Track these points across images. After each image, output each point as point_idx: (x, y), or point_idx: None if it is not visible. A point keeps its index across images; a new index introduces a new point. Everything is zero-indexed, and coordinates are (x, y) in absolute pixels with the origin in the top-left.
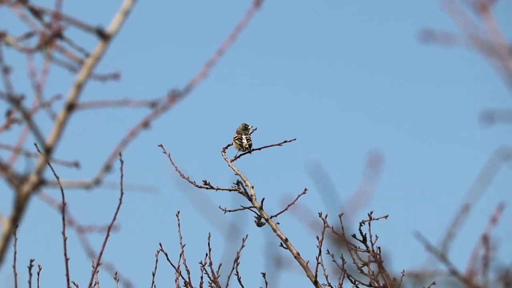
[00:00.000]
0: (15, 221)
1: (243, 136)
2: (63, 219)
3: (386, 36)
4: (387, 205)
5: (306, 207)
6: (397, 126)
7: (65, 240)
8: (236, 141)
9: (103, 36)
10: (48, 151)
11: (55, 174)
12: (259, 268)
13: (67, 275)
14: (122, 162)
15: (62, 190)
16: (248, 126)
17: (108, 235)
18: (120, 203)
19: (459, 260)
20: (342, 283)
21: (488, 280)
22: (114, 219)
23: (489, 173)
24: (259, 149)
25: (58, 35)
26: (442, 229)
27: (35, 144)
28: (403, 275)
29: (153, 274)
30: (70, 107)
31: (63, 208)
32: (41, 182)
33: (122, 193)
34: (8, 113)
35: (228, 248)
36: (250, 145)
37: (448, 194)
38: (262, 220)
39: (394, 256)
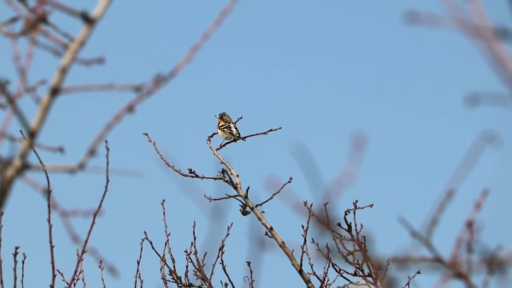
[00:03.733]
0: None
1: (231, 125)
2: (48, 206)
3: (370, 18)
4: (372, 189)
5: (291, 191)
6: (381, 109)
7: (50, 228)
8: (225, 129)
9: (88, 20)
10: (32, 135)
11: (39, 159)
12: (243, 255)
13: (52, 262)
14: (108, 149)
15: (46, 175)
16: (228, 115)
17: (93, 222)
18: (106, 190)
19: (443, 244)
20: (327, 272)
21: (471, 265)
22: (100, 206)
23: (473, 157)
24: (245, 138)
25: (43, 19)
26: (426, 213)
27: (21, 131)
28: (388, 263)
29: (138, 263)
30: (54, 91)
31: (48, 194)
32: (25, 166)
33: (108, 180)
34: None
35: (212, 230)
36: (239, 134)
37: (432, 178)
38: (247, 209)
39: (378, 240)
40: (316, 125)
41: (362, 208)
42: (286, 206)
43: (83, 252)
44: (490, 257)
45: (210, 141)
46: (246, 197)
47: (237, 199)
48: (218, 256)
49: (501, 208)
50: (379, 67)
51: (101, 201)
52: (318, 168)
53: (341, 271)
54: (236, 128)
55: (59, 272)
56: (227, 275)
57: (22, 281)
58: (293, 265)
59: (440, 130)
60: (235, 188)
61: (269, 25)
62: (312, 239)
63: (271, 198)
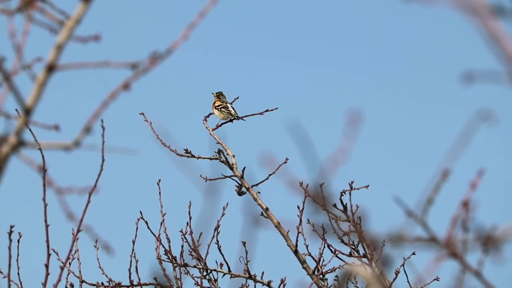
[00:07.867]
0: None
1: (229, 105)
2: (44, 184)
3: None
4: (367, 169)
5: (287, 170)
6: (376, 89)
7: (45, 207)
8: (222, 109)
9: None
10: (27, 112)
11: (34, 136)
12: (238, 235)
13: (47, 241)
14: (103, 128)
15: (42, 152)
16: (225, 95)
17: (89, 201)
18: (101, 169)
19: (438, 224)
20: (322, 253)
21: (466, 244)
22: (95, 185)
23: (468, 135)
24: (243, 118)
25: None
26: (421, 193)
27: (16, 109)
28: (384, 244)
29: (133, 242)
30: (50, 68)
31: (44, 172)
32: (20, 143)
33: (103, 160)
34: None
35: (206, 206)
36: (237, 113)
37: (427, 157)
38: (243, 189)
39: (374, 220)
40: (313, 107)
41: (358, 189)
42: (282, 185)
43: (78, 231)
44: (485, 236)
45: (206, 121)
46: (242, 177)
47: (233, 179)
48: (213, 236)
49: (497, 187)
50: (374, 47)
51: (97, 180)
52: (313, 145)
53: (337, 252)
54: (233, 108)
55: (54, 251)
56: (222, 255)
57: (17, 260)
58: (288, 245)
59: (436, 109)
60: (231, 168)
61: (261, 12)
62: (308, 220)
63: (267, 178)
